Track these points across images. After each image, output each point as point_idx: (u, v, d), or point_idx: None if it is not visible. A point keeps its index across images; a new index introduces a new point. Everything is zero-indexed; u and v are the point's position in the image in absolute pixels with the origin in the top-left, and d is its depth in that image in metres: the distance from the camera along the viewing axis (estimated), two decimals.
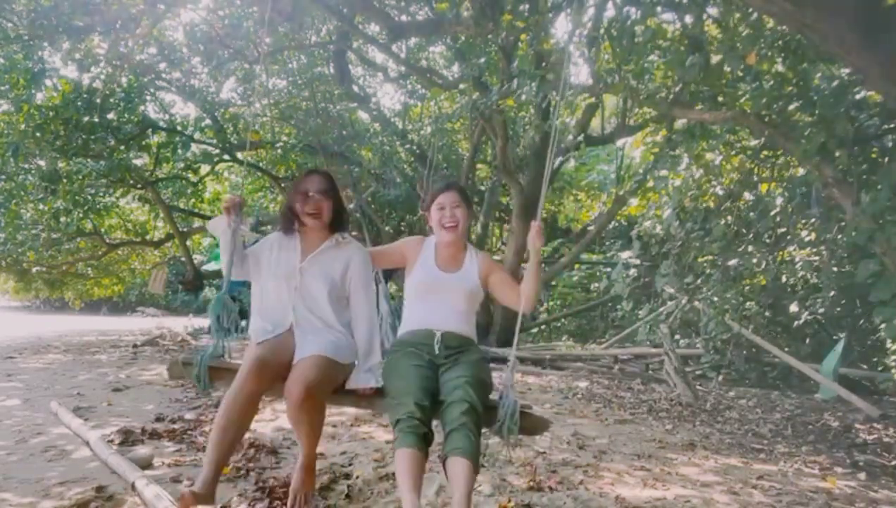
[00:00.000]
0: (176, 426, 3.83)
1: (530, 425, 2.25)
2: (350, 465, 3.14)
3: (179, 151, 10.12)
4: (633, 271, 10.08)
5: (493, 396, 2.31)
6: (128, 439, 3.46)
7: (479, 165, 11.31)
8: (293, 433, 3.71)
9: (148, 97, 9.67)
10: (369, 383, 2.36)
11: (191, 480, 2.77)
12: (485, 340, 8.46)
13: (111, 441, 3.34)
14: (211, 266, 14.25)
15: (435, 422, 2.19)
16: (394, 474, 2.88)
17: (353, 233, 2.79)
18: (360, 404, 2.49)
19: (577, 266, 14.45)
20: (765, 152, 6.14)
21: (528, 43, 5.88)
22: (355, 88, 10.97)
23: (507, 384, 2.25)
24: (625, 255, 10.29)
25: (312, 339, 2.32)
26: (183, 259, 12.63)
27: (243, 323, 2.50)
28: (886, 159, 4.46)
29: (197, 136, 10.70)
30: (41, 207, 10.33)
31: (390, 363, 2.38)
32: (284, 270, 2.45)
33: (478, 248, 2.72)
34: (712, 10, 4.99)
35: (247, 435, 3.72)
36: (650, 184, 7.91)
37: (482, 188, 11.95)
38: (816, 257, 7.22)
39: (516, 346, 2.53)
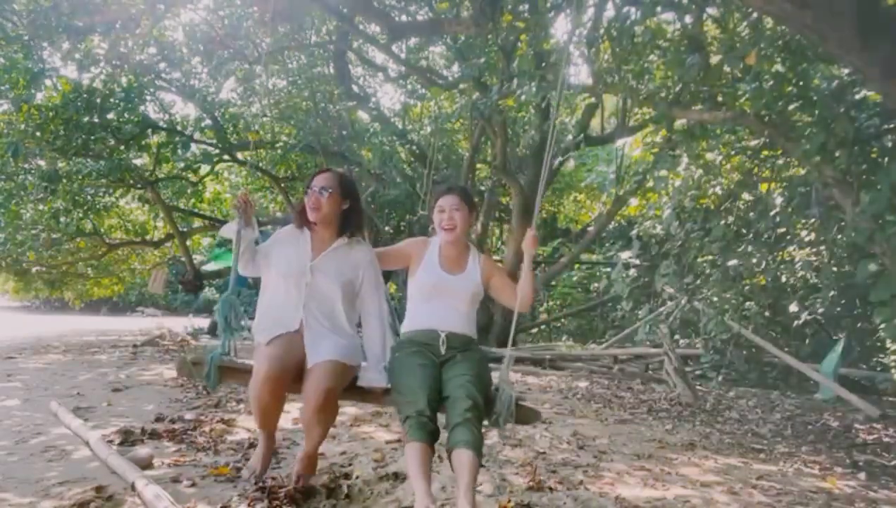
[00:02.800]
0: (176, 427, 3.83)
1: (523, 416, 2.41)
2: (350, 465, 3.14)
3: (179, 151, 10.11)
4: (632, 271, 10.08)
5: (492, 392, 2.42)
6: (128, 439, 3.46)
7: (479, 165, 11.30)
8: (293, 433, 3.72)
9: (148, 97, 9.66)
10: (381, 383, 2.43)
11: (191, 480, 2.77)
12: (484, 340, 8.46)
13: (111, 441, 3.34)
14: (211, 266, 14.25)
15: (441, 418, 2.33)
16: (394, 474, 2.89)
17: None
18: (366, 399, 2.54)
19: (577, 266, 14.46)
20: (765, 152, 6.15)
21: (528, 43, 5.88)
22: (355, 88, 10.97)
23: (504, 379, 2.40)
24: (625, 255, 10.28)
25: (322, 343, 2.38)
26: (183, 259, 12.62)
27: (250, 323, 2.56)
28: (886, 159, 4.46)
29: (197, 136, 10.69)
30: (41, 207, 10.32)
31: (397, 361, 2.45)
32: (295, 268, 2.48)
33: (479, 249, 2.80)
34: (712, 11, 4.99)
35: (247, 435, 3.73)
36: (650, 184, 7.91)
37: (482, 188, 11.95)
38: (816, 257, 7.22)
39: (511, 344, 2.61)
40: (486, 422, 2.36)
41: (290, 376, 2.33)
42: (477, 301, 2.64)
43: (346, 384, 2.41)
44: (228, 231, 2.55)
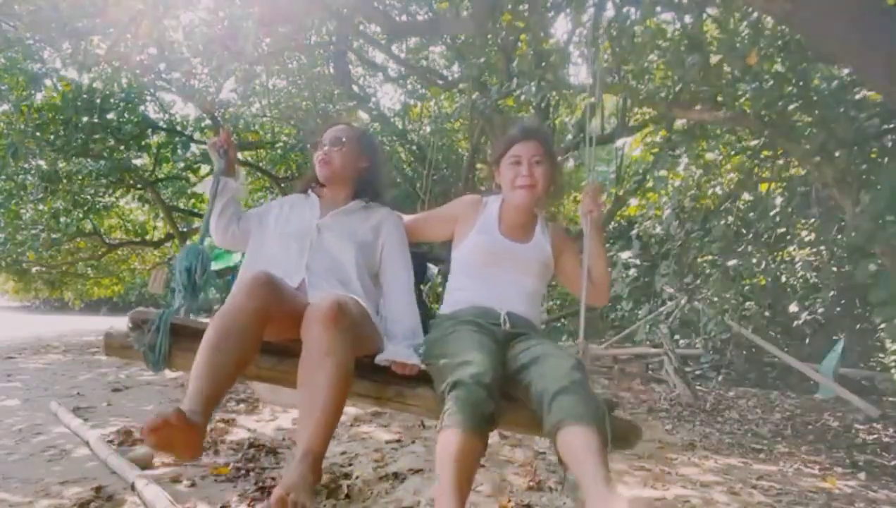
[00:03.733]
0: None
1: (620, 431, 1.56)
2: (350, 465, 3.14)
3: (179, 151, 10.13)
4: (632, 271, 10.08)
5: None
6: (128, 439, 3.46)
7: (478, 165, 11.29)
8: (292, 431, 3.71)
9: (148, 97, 9.67)
10: (411, 359, 1.68)
11: (190, 480, 2.76)
12: None
13: (111, 441, 3.34)
14: (211, 266, 14.24)
15: None
16: (394, 474, 2.88)
17: None
18: (384, 397, 1.68)
19: None
20: (765, 152, 6.15)
21: (528, 43, 5.88)
22: (355, 88, 10.96)
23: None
24: (625, 255, 10.29)
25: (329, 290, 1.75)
26: None
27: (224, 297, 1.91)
28: (886, 159, 4.46)
29: (197, 136, 10.70)
30: (41, 207, 10.32)
31: (438, 334, 1.77)
32: (296, 226, 1.92)
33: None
34: (712, 11, 4.98)
35: (246, 435, 3.72)
36: (650, 184, 7.92)
37: (482, 188, 11.94)
38: (816, 258, 7.22)
39: (584, 329, 1.86)
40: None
41: (279, 301, 1.56)
42: (546, 278, 2.01)
43: (363, 345, 1.65)
44: (207, 186, 2.01)
